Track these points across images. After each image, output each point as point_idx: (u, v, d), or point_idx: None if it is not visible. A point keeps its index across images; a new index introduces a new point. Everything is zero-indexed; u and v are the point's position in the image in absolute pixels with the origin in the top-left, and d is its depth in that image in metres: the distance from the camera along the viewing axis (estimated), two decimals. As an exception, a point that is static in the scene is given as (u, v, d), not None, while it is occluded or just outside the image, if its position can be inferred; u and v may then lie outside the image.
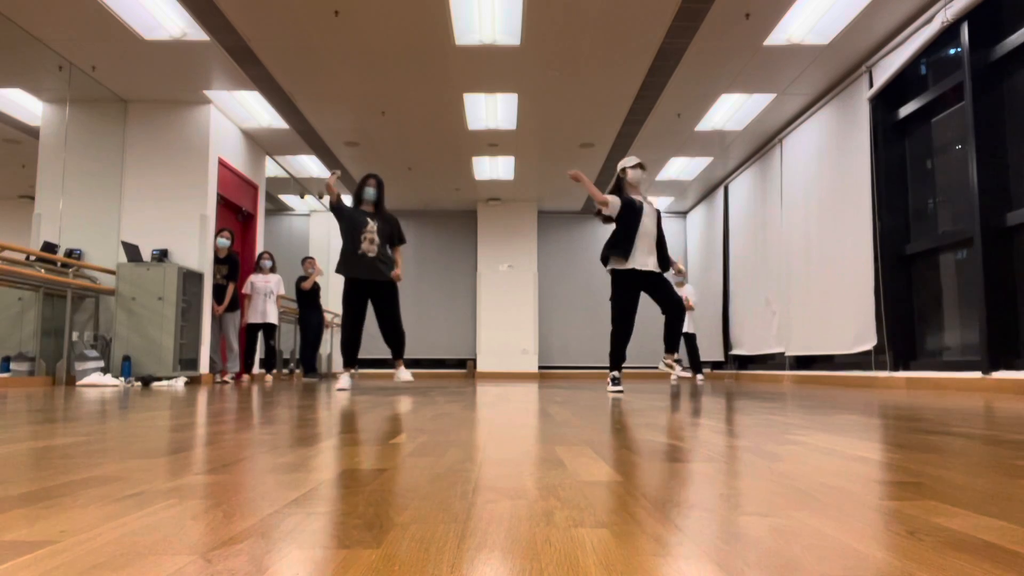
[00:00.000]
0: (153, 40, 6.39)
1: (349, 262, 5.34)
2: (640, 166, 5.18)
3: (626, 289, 5.04)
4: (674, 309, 5.08)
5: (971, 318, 5.59)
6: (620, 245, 5.01)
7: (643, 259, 5.02)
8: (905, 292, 6.46)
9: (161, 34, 6.30)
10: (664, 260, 5.12)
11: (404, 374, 5.57)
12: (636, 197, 5.14)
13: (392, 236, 5.53)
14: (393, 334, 5.47)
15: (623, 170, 5.21)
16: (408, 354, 12.53)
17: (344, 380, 5.50)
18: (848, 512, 0.90)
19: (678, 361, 5.15)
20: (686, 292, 8.74)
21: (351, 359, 5.51)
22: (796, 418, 2.53)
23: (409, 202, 12.41)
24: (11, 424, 2.19)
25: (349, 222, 5.37)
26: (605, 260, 5.13)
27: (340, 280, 12.92)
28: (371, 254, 5.34)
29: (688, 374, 5.28)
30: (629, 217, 5.03)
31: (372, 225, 5.37)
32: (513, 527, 0.81)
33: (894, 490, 1.07)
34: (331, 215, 12.89)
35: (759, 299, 9.37)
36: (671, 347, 5.15)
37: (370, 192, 5.44)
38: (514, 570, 0.65)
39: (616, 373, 5.10)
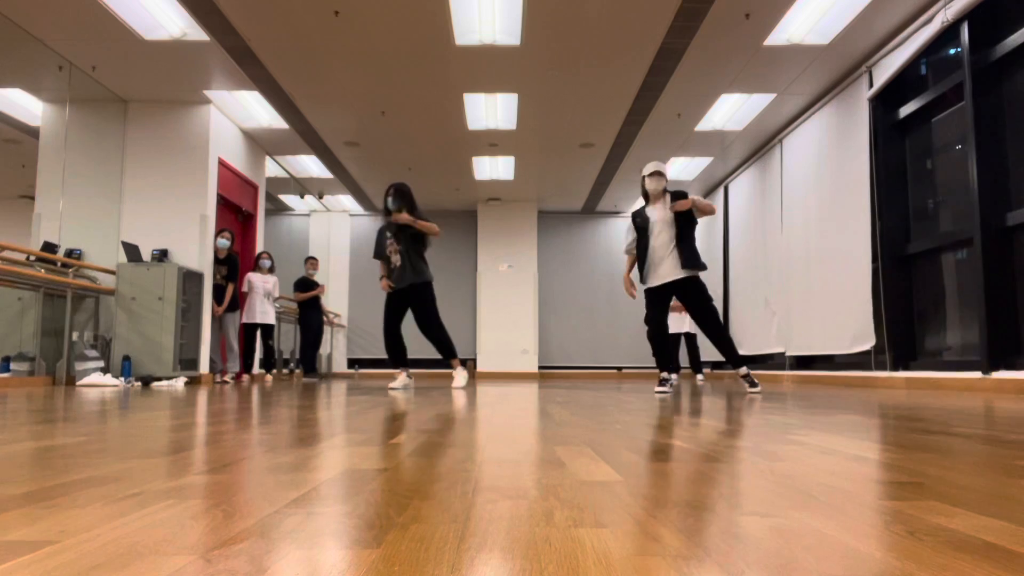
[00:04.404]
0: (153, 40, 6.39)
1: (388, 276, 5.86)
2: (657, 174, 5.01)
3: (652, 303, 5.03)
4: (709, 324, 4.86)
5: (971, 318, 5.59)
6: (641, 265, 5.10)
7: (663, 272, 4.95)
8: (905, 292, 6.46)
9: (161, 34, 6.30)
10: (692, 258, 4.86)
11: (458, 378, 5.89)
12: (651, 209, 5.05)
13: (416, 234, 5.82)
14: (432, 337, 5.82)
15: (643, 178, 5.11)
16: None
17: (397, 381, 5.79)
18: (848, 512, 0.90)
19: (745, 377, 4.85)
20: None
21: (396, 361, 5.89)
22: (796, 418, 2.53)
23: (409, 202, 12.40)
24: (11, 424, 2.19)
25: (382, 245, 5.87)
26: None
27: (340, 281, 12.94)
28: (398, 264, 5.78)
29: (757, 390, 4.83)
30: (641, 240, 5.07)
31: (392, 238, 5.81)
32: (513, 527, 0.81)
33: (894, 490, 1.07)
34: (331, 215, 12.94)
35: (759, 299, 9.37)
36: (734, 364, 4.86)
37: (389, 202, 5.84)
38: (514, 570, 0.65)
39: (664, 374, 5.05)
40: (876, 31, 6.18)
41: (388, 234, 5.84)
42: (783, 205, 8.56)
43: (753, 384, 4.85)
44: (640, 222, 5.07)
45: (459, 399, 3.97)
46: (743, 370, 4.89)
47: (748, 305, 9.82)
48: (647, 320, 5.07)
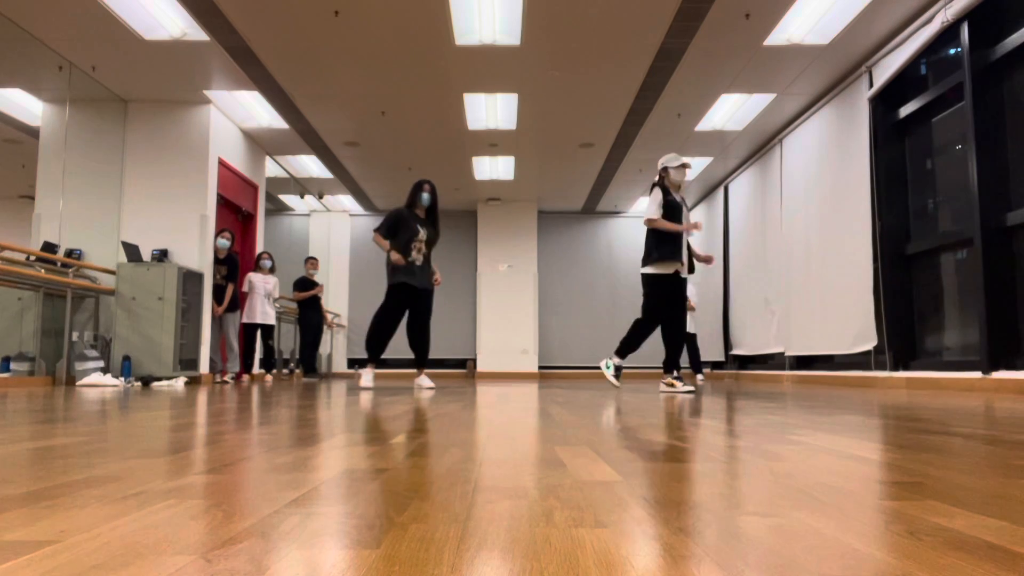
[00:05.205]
0: (153, 40, 6.39)
1: (402, 269, 5.82)
2: (684, 166, 5.04)
3: (661, 295, 4.92)
4: (683, 323, 4.96)
5: (971, 318, 5.59)
6: (665, 247, 4.91)
7: (680, 263, 4.93)
8: (905, 292, 6.46)
9: (161, 34, 6.30)
10: (690, 261, 4.98)
11: (426, 381, 5.99)
12: (677, 196, 5.04)
13: (434, 244, 6.06)
14: (421, 340, 5.96)
15: (665, 170, 5.05)
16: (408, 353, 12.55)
17: (367, 378, 5.90)
18: (848, 512, 0.90)
19: (677, 379, 5.00)
20: (687, 292, 8.75)
21: (376, 354, 5.90)
22: (796, 418, 2.53)
23: (409, 202, 12.40)
24: (11, 424, 2.19)
25: (404, 231, 5.83)
26: (650, 260, 4.99)
27: (340, 281, 12.93)
28: (419, 262, 5.90)
29: (690, 388, 4.97)
30: (671, 218, 4.95)
31: (423, 234, 5.90)
32: (513, 527, 0.81)
33: (894, 490, 1.07)
34: (331, 215, 12.93)
35: (759, 299, 9.37)
36: (684, 367, 5.04)
37: (425, 198, 5.94)
38: (514, 570, 0.65)
39: (620, 360, 4.99)
40: (876, 31, 6.18)
41: (419, 230, 5.84)
42: (783, 205, 8.56)
43: (681, 381, 4.98)
44: (672, 201, 4.97)
45: (457, 399, 3.97)
46: (675, 374, 5.04)
47: (748, 305, 9.81)
48: (654, 311, 4.92)
